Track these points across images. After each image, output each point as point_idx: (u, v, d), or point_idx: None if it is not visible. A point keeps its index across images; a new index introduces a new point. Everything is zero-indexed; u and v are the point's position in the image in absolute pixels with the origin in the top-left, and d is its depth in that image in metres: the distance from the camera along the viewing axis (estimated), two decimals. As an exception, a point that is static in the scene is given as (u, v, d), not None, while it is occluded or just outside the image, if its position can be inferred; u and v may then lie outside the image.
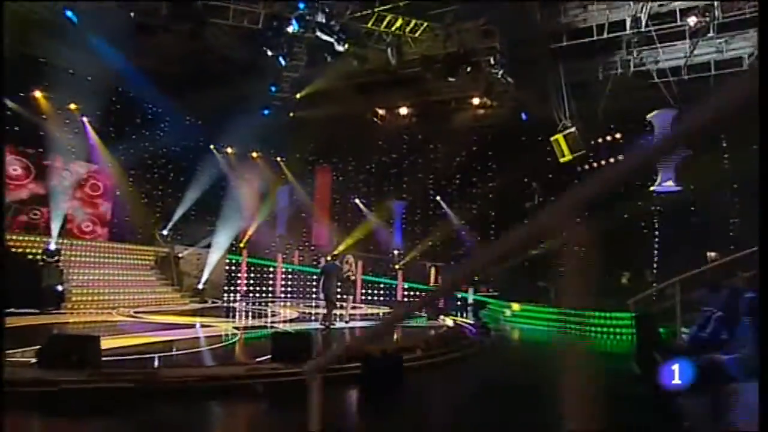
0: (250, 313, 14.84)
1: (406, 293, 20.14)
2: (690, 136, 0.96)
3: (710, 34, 14.22)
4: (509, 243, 1.49)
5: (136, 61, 15.97)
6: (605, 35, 14.72)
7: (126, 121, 18.14)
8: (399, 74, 17.81)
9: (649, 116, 14.67)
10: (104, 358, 6.82)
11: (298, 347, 7.23)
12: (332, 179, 23.57)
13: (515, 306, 15.52)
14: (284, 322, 12.52)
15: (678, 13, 13.96)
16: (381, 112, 20.81)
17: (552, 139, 15.11)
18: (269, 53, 12.36)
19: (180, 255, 17.53)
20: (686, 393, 4.90)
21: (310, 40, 12.75)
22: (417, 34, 14.10)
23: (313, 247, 22.80)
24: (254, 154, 22.29)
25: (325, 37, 11.45)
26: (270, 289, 20.77)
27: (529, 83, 15.61)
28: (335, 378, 6.81)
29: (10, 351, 6.73)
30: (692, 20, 13.34)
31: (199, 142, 20.37)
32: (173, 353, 7.66)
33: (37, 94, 15.58)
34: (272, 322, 12.28)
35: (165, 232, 18.22)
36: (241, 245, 20.56)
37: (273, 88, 14.93)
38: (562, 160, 15.15)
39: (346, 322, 12.03)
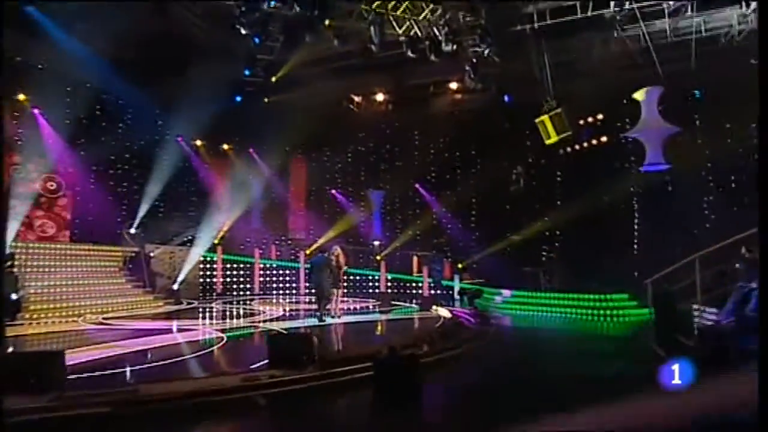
0: (230, 314, 13.66)
1: (389, 284, 19.28)
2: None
3: (689, 13, 13.85)
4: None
5: (92, 45, 14.46)
6: (589, 13, 14.15)
7: (84, 113, 16.52)
8: (376, 58, 16.86)
9: (635, 95, 14.19)
10: (70, 377, 5.71)
11: (297, 350, 6.28)
12: (307, 170, 22.46)
13: (506, 292, 14.91)
14: (270, 320, 11.44)
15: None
16: (357, 99, 19.77)
17: (537, 120, 14.45)
18: (243, 32, 11.15)
19: (151, 254, 16.13)
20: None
21: (286, 18, 11.62)
22: (399, 12, 13.15)
23: (290, 241, 21.68)
24: (225, 146, 20.95)
25: (302, 12, 10.33)
26: (248, 286, 19.53)
27: (514, 63, 14.89)
28: (344, 383, 5.92)
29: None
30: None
31: (166, 134, 18.89)
32: (152, 364, 6.55)
33: (-23, 83, 13.84)
34: (256, 322, 11.18)
35: (133, 231, 16.75)
36: (216, 242, 19.25)
37: (247, 72, 13.70)
38: (547, 142, 14.53)
39: (338, 317, 11.06)
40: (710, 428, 3.22)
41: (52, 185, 15.54)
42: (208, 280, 18.84)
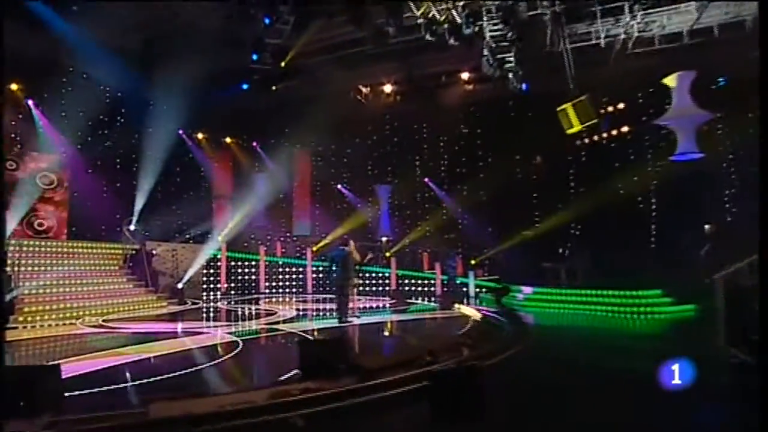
0: (240, 314, 12.71)
1: (400, 281, 18.39)
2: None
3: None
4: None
5: (89, 32, 13.47)
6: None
7: (81, 105, 15.50)
8: (387, 46, 15.95)
9: (665, 80, 13.32)
10: (68, 394, 4.78)
11: (332, 357, 5.37)
12: (313, 164, 21.53)
13: (526, 289, 14.05)
14: (284, 321, 10.50)
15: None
16: (365, 90, 18.83)
17: (559, 109, 13.57)
18: (251, 11, 10.22)
19: (153, 252, 15.13)
20: None
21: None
22: (416, -6, 12.23)
23: (295, 238, 20.74)
24: (228, 139, 19.96)
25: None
26: (253, 284, 18.57)
27: (533, 49, 14.02)
28: (393, 398, 5.00)
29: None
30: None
31: (167, 127, 17.88)
32: (162, 376, 5.62)
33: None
34: (270, 324, 10.24)
35: (133, 228, 15.75)
36: (219, 238, 18.27)
37: (254, 56, 12.73)
38: (569, 131, 13.66)
39: (357, 317, 10.16)
40: None
41: (47, 180, 14.52)
42: (212, 278, 17.85)
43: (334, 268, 9.46)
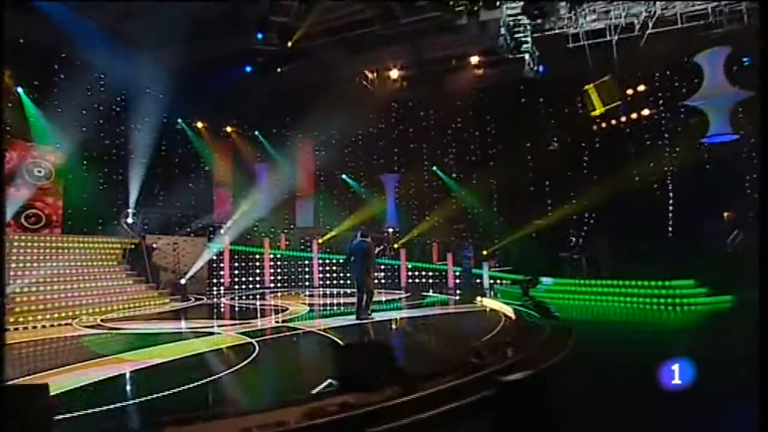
0: (248, 311, 11.81)
1: (409, 274, 17.56)
2: None
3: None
4: None
5: (81, 15, 12.46)
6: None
7: (75, 93, 14.48)
8: (395, 27, 15.03)
9: (696, 57, 12.44)
10: (60, 417, 3.90)
11: (371, 364, 4.50)
12: (316, 153, 20.57)
13: (546, 280, 13.22)
14: (297, 319, 9.61)
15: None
16: (371, 76, 17.88)
17: (584, 89, 12.70)
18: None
19: (154, 245, 14.19)
20: None
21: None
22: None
23: (299, 230, 19.83)
24: (228, 129, 18.97)
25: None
26: (258, 279, 17.68)
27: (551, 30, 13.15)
28: (450, 412, 4.14)
29: None
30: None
31: (164, 115, 16.90)
32: (171, 390, 4.71)
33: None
34: (283, 322, 9.34)
35: (131, 220, 14.79)
36: (222, 231, 17.35)
37: (259, 35, 11.75)
38: (593, 113, 12.82)
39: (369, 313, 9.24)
40: None
41: (39, 171, 13.51)
42: (215, 272, 16.93)
43: (352, 260, 8.58)
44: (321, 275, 18.03)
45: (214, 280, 16.80)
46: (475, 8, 11.59)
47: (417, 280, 17.37)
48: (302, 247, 18.83)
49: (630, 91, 14.70)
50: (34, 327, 9.12)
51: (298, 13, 11.80)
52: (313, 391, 4.43)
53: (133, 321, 9.84)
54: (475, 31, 15.30)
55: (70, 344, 7.69)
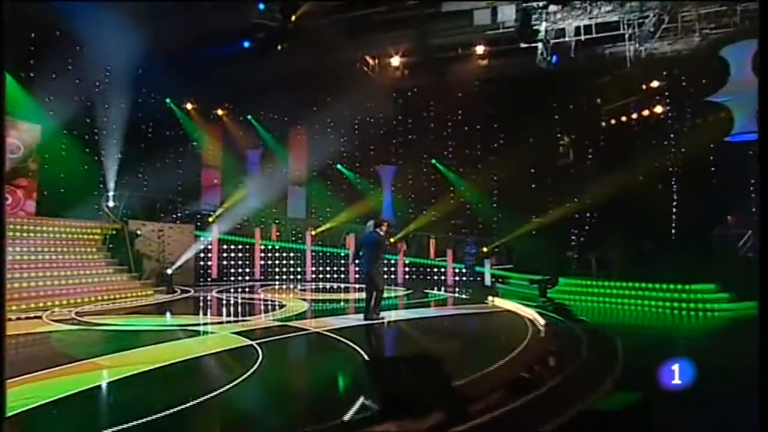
0: (241, 307, 10.70)
1: (406, 270, 16.64)
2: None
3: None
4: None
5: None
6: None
7: (53, 66, 13.16)
8: (400, 9, 14.06)
9: (721, 51, 11.71)
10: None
11: (418, 383, 3.54)
12: (310, 141, 19.42)
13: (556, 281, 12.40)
14: (296, 317, 8.56)
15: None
16: (372, 62, 16.81)
17: (600, 81, 11.91)
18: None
19: (138, 231, 12.96)
20: None
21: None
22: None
23: (291, 221, 18.71)
24: (219, 111, 17.72)
25: None
26: (248, 270, 16.53)
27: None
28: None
29: None
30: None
31: (151, 95, 15.62)
32: (160, 413, 3.66)
33: None
34: (284, 319, 8.29)
35: (112, 204, 13.53)
36: (211, 219, 16.15)
37: (261, 6, 10.62)
38: (606, 108, 12.04)
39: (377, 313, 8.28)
40: None
41: (14, 148, 12.16)
42: (202, 263, 15.74)
43: (361, 254, 7.60)
44: (314, 269, 16.99)
45: (201, 271, 15.60)
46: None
47: (414, 276, 16.46)
48: (293, 238, 17.74)
49: (643, 87, 13.96)
50: (-2, 320, 7.90)
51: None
52: (345, 417, 3.44)
53: (112, 315, 8.69)
54: (486, 19, 14.45)
55: (37, 343, 6.54)
